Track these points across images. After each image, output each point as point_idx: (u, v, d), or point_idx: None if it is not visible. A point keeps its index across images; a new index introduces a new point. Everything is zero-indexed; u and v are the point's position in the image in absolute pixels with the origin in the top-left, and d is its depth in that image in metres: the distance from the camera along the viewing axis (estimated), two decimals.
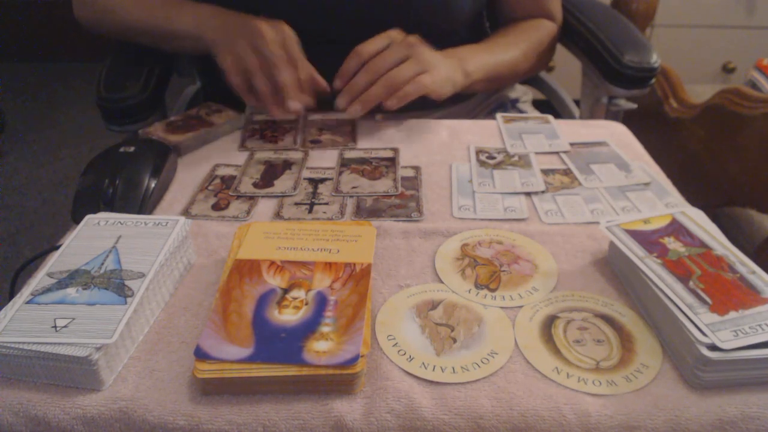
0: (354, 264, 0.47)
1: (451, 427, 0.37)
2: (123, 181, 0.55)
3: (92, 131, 2.24)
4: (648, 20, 1.55)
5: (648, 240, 0.48)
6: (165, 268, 0.45)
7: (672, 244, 0.47)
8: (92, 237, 0.47)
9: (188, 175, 0.63)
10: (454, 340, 0.43)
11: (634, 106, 0.84)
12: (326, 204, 0.58)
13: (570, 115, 0.99)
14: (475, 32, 0.87)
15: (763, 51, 1.86)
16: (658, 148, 0.74)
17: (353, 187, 0.61)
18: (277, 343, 0.39)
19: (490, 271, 0.49)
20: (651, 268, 0.44)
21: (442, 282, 0.48)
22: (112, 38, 0.81)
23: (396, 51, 0.67)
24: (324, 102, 0.70)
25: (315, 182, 0.62)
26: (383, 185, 0.61)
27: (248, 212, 0.57)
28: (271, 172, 0.63)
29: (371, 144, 0.69)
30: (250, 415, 0.37)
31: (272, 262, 0.47)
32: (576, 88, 0.92)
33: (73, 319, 0.40)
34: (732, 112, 1.02)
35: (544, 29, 0.85)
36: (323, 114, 0.75)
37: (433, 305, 0.46)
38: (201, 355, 0.39)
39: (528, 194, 0.60)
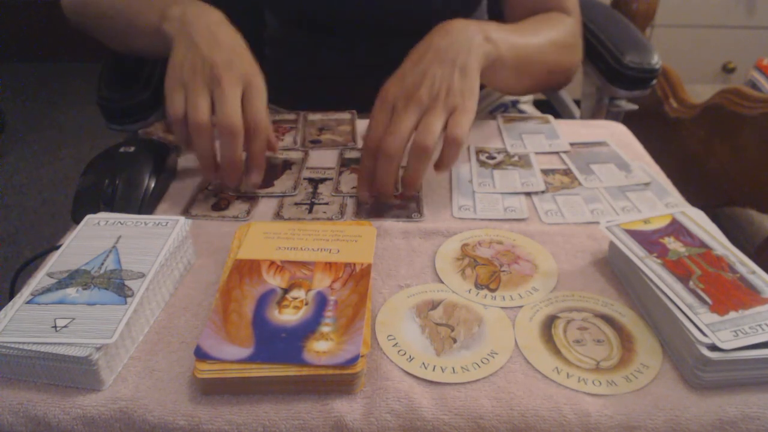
0: (354, 264, 0.47)
1: (451, 427, 0.37)
2: (123, 181, 0.55)
3: (92, 131, 2.24)
4: (648, 20, 1.56)
5: (648, 240, 0.48)
6: (165, 268, 0.45)
7: (672, 244, 0.47)
8: (92, 237, 0.47)
9: (188, 175, 0.63)
10: (454, 340, 0.43)
11: (635, 107, 0.84)
12: (326, 204, 0.58)
13: (570, 116, 0.99)
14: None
15: (763, 51, 1.86)
16: (658, 148, 0.74)
17: (353, 187, 0.61)
18: (277, 343, 0.39)
19: (490, 271, 0.49)
20: (651, 268, 0.44)
21: (442, 282, 0.48)
22: (90, 33, 0.75)
23: (401, 119, 0.54)
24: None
25: (315, 182, 0.62)
26: None
27: (248, 212, 0.57)
28: (271, 172, 0.63)
29: None
30: (250, 415, 0.37)
31: (272, 262, 0.47)
32: (576, 88, 0.92)
33: (73, 319, 0.40)
34: (732, 112, 1.02)
35: (561, 23, 0.74)
36: (323, 114, 0.75)
37: (433, 305, 0.46)
38: (201, 355, 0.39)
39: (528, 194, 0.60)
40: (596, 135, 0.71)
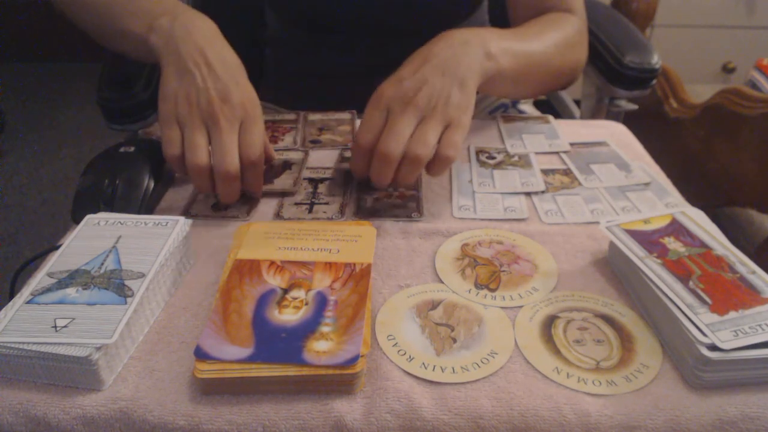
0: (354, 264, 0.47)
1: (451, 427, 0.37)
2: (123, 181, 0.55)
3: (92, 131, 2.24)
4: (648, 20, 1.56)
5: (648, 240, 0.48)
6: (165, 268, 0.45)
7: (672, 244, 0.47)
8: (92, 237, 0.47)
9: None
10: (454, 340, 0.43)
11: (635, 107, 0.84)
12: (326, 204, 0.58)
13: (570, 115, 0.99)
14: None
15: (763, 51, 1.87)
16: (658, 148, 0.74)
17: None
18: (277, 343, 0.39)
19: (490, 271, 0.49)
20: (651, 268, 0.44)
21: (442, 282, 0.48)
22: (77, 25, 0.70)
23: (398, 122, 0.54)
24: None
25: (315, 182, 0.62)
26: None
27: (248, 212, 0.57)
28: (271, 172, 0.63)
29: None
30: (250, 415, 0.37)
31: (272, 262, 0.47)
32: (576, 88, 0.92)
33: (73, 319, 0.40)
34: (732, 112, 1.02)
35: (566, 22, 0.72)
36: (323, 114, 0.75)
37: (433, 305, 0.46)
38: (201, 355, 0.39)
39: (528, 194, 0.60)
40: (596, 135, 0.71)
